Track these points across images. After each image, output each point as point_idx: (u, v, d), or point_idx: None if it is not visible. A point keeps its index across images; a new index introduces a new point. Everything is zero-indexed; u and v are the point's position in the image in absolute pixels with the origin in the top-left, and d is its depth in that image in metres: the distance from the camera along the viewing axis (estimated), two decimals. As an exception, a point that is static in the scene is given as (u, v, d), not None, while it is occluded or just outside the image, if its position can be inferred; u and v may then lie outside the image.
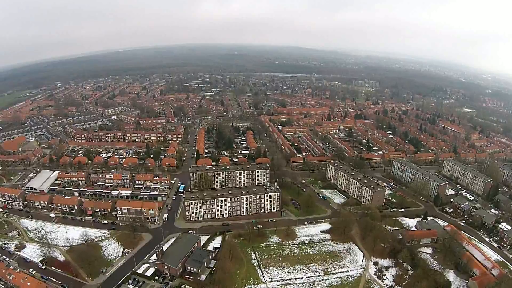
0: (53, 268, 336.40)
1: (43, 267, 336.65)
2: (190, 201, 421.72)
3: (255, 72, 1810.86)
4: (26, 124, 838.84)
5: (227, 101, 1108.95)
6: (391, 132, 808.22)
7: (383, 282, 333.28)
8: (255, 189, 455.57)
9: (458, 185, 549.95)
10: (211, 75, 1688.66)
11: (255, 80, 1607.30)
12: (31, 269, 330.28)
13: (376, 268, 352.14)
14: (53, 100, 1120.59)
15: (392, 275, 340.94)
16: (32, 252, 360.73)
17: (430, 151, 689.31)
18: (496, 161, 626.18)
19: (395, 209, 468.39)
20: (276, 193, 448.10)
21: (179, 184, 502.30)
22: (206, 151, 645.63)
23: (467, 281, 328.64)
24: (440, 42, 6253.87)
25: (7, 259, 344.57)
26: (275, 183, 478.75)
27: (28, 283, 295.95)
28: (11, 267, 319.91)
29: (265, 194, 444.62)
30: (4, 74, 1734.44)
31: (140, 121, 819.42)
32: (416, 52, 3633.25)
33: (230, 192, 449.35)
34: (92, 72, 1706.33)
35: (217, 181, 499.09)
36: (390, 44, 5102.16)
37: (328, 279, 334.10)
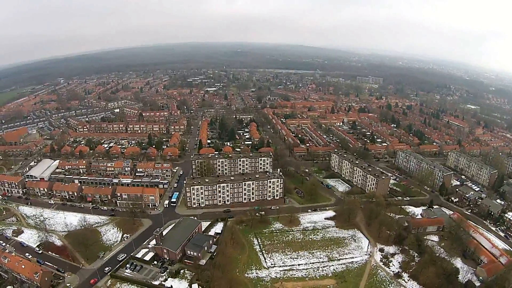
0: (49, 252, 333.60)
1: (40, 252, 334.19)
2: (191, 187, 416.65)
3: (258, 68, 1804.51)
4: (28, 117, 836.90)
5: (230, 96, 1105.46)
6: (395, 126, 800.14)
7: (389, 268, 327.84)
8: (257, 175, 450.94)
9: (463, 176, 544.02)
10: (215, 71, 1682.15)
11: (259, 76, 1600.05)
12: (27, 254, 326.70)
13: (381, 254, 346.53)
14: (55, 95, 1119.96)
15: (399, 262, 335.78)
16: (29, 237, 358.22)
17: (434, 143, 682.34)
18: (501, 153, 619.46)
19: (400, 198, 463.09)
20: (279, 179, 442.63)
21: (173, 191, 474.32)
22: (209, 141, 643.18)
23: (475, 269, 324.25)
24: (443, 40, 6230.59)
25: (4, 244, 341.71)
26: (278, 170, 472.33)
27: (23, 266, 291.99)
28: (7, 251, 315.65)
29: (268, 180, 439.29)
30: (7, 71, 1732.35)
31: (143, 114, 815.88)
32: (418, 50, 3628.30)
33: (232, 178, 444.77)
34: (95, 68, 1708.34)
35: (219, 169, 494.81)
36: (392, 43, 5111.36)
37: (333, 265, 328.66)
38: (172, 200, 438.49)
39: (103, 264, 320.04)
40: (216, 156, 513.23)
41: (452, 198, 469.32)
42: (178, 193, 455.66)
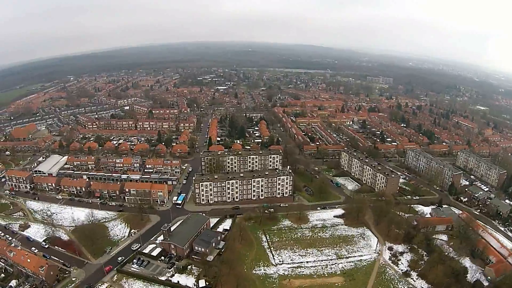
0: (56, 247, 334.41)
1: (46, 246, 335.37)
2: (200, 183, 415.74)
3: (268, 67, 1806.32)
4: (37, 114, 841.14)
5: (240, 94, 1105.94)
6: (405, 125, 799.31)
7: (398, 267, 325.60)
8: (267, 172, 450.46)
9: (472, 176, 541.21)
10: (225, 70, 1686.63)
11: (269, 75, 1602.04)
12: (33, 248, 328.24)
13: (390, 253, 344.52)
14: (65, 92, 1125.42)
15: (407, 260, 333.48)
16: (36, 232, 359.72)
17: (444, 143, 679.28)
18: (510, 154, 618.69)
19: (409, 197, 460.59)
20: (288, 177, 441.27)
21: (179, 193, 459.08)
22: (218, 139, 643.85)
23: (483, 269, 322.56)
24: (452, 41, 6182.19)
25: (10, 238, 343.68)
26: (288, 168, 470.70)
27: (29, 260, 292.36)
28: (13, 245, 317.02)
29: (278, 177, 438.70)
30: (16, 69, 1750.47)
31: (153, 111, 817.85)
32: (428, 51, 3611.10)
33: (241, 174, 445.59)
34: (105, 66, 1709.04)
35: (228, 166, 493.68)
36: (402, 43, 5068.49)
37: (341, 263, 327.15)
38: (177, 202, 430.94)
39: (109, 259, 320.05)
40: (226, 153, 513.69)
41: (461, 198, 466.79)
42: (184, 195, 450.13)
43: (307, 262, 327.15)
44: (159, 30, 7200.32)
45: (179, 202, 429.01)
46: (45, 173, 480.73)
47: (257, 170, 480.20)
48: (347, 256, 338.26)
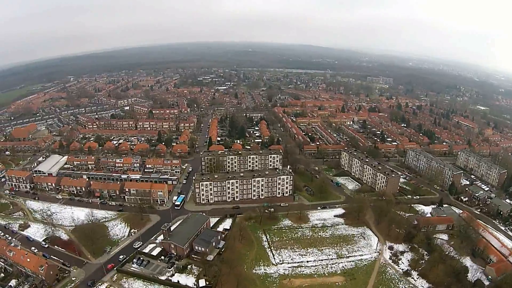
0: (56, 247, 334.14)
1: (46, 246, 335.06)
2: (200, 183, 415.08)
3: (269, 68, 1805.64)
4: (37, 114, 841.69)
5: (241, 94, 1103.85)
6: (405, 125, 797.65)
7: (399, 266, 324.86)
8: (267, 172, 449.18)
9: (472, 176, 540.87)
10: (225, 70, 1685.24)
11: (269, 75, 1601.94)
12: (33, 248, 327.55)
13: (391, 252, 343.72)
14: (65, 93, 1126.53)
15: (408, 260, 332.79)
16: (35, 232, 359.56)
17: (444, 143, 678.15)
18: (510, 154, 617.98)
19: (410, 196, 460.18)
20: (288, 176, 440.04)
21: (179, 194, 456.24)
22: (218, 139, 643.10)
23: (484, 268, 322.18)
24: (452, 41, 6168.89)
25: (10, 238, 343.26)
26: (288, 167, 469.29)
27: (28, 260, 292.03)
28: (12, 245, 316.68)
29: (278, 177, 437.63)
30: (16, 69, 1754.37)
31: (153, 111, 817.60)
32: (428, 51, 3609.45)
33: (241, 174, 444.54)
34: (105, 67, 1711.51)
35: (228, 166, 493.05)
36: (402, 43, 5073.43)
37: (342, 263, 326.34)
38: (176, 203, 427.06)
39: (110, 258, 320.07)
40: (226, 153, 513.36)
41: (462, 197, 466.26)
42: (183, 196, 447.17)
43: (307, 261, 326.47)
44: (159, 30, 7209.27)
45: (178, 203, 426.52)
46: (45, 173, 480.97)
47: (257, 170, 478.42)
48: (348, 255, 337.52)
